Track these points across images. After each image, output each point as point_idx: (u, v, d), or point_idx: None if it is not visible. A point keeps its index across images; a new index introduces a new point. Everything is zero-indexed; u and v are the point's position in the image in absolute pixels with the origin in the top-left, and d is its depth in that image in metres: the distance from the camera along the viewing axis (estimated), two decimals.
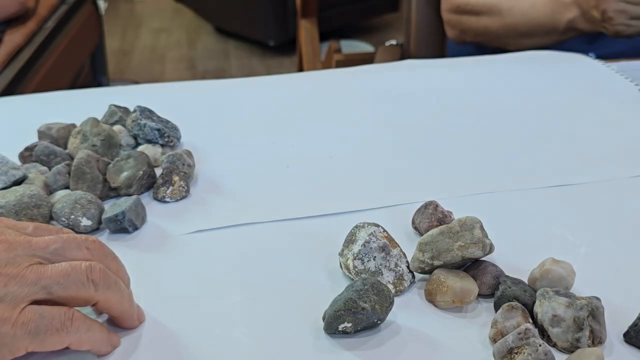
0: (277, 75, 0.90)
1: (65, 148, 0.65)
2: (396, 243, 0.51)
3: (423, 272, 0.49)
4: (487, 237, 0.48)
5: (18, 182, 0.59)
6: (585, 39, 1.05)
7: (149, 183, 0.61)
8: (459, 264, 0.49)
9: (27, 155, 0.64)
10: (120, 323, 0.45)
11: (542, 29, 1.01)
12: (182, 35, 3.42)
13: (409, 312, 0.47)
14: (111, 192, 0.60)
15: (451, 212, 0.56)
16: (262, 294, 0.49)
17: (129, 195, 0.59)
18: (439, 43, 1.25)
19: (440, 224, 0.53)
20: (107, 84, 2.08)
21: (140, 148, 0.65)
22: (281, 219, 0.58)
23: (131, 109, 0.69)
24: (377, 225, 0.51)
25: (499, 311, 0.45)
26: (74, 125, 0.68)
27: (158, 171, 0.62)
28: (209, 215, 0.58)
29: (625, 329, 0.45)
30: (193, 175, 0.64)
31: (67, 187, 0.60)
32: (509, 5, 1.03)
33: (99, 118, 0.67)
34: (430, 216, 0.55)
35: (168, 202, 0.60)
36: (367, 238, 0.49)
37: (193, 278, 0.51)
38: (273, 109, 0.79)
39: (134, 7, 3.87)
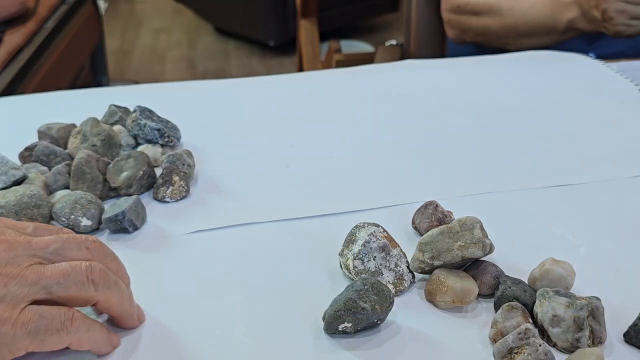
0: (277, 75, 0.90)
1: (65, 148, 0.65)
2: (396, 243, 0.51)
3: (423, 272, 0.49)
4: (487, 237, 0.48)
5: (18, 182, 0.59)
6: (585, 39, 1.05)
7: (149, 183, 0.61)
8: (459, 264, 0.49)
9: (27, 155, 0.64)
10: (120, 323, 0.45)
11: (542, 28, 1.01)
12: (182, 35, 3.42)
13: (409, 312, 0.47)
14: (111, 192, 0.60)
15: (451, 212, 0.56)
16: (262, 294, 0.49)
17: (129, 195, 0.59)
18: (439, 43, 1.25)
19: (440, 224, 0.53)
20: (107, 84, 2.08)
21: (140, 148, 0.65)
22: (281, 219, 0.58)
23: (131, 109, 0.69)
24: (377, 225, 0.51)
25: (499, 311, 0.45)
26: (74, 125, 0.68)
27: (158, 171, 0.62)
28: (209, 215, 0.58)
29: (625, 329, 0.45)
30: (193, 175, 0.64)
31: (67, 187, 0.60)
32: (509, 5, 1.03)
33: (99, 118, 0.67)
34: (430, 216, 0.55)
35: (168, 202, 0.60)
36: (367, 238, 0.49)
37: (193, 278, 0.51)
38: (273, 109, 0.79)
39: (134, 7, 3.87)
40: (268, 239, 0.55)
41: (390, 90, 0.83)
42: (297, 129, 0.74)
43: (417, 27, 1.25)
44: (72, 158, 0.63)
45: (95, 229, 0.56)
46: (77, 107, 0.76)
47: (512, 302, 0.45)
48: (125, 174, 0.59)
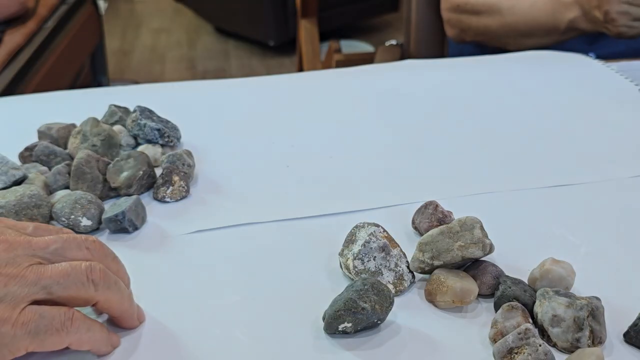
0: (277, 75, 0.90)
1: (65, 148, 0.65)
2: (396, 243, 0.51)
3: (423, 272, 0.49)
4: (487, 237, 0.48)
5: (18, 182, 0.59)
6: (585, 39, 1.05)
7: (149, 183, 0.61)
8: (459, 264, 0.49)
9: (27, 155, 0.64)
10: (120, 323, 0.45)
11: (542, 28, 1.01)
12: (182, 35, 3.42)
13: (409, 312, 0.47)
14: (111, 192, 0.60)
15: (451, 212, 0.56)
16: (262, 294, 0.49)
17: (129, 195, 0.59)
18: (439, 43, 1.25)
19: (440, 224, 0.53)
20: (107, 84, 2.08)
21: (140, 148, 0.65)
22: (281, 219, 0.58)
23: (131, 109, 0.69)
24: (377, 225, 0.51)
25: (499, 311, 0.45)
26: (74, 125, 0.68)
27: (158, 171, 0.62)
28: (209, 215, 0.58)
29: (625, 329, 0.45)
30: (193, 175, 0.64)
31: (67, 187, 0.60)
32: (509, 5, 1.03)
33: (99, 118, 0.67)
34: (430, 216, 0.55)
35: (168, 202, 0.60)
36: (367, 238, 0.49)
37: (193, 278, 0.51)
38: (273, 109, 0.79)
39: (134, 7, 3.87)
40: (268, 239, 0.55)
41: (390, 90, 0.83)
42: (297, 129, 0.74)
43: (417, 27, 1.25)
44: (72, 158, 0.63)
45: (95, 229, 0.56)
46: (77, 107, 0.76)
47: (512, 302, 0.45)
48: (125, 174, 0.59)
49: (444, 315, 0.47)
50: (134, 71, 2.99)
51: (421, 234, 0.55)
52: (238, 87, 0.86)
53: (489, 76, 0.88)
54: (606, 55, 0.97)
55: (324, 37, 2.18)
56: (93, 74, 1.98)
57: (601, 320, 0.44)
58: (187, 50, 3.24)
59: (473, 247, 0.48)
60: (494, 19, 1.05)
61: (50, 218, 0.56)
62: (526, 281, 0.49)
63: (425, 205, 0.56)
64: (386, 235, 0.51)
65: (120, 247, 0.53)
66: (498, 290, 0.47)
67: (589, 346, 0.43)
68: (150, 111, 0.67)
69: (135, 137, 0.66)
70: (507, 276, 0.48)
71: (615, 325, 0.46)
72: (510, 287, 0.47)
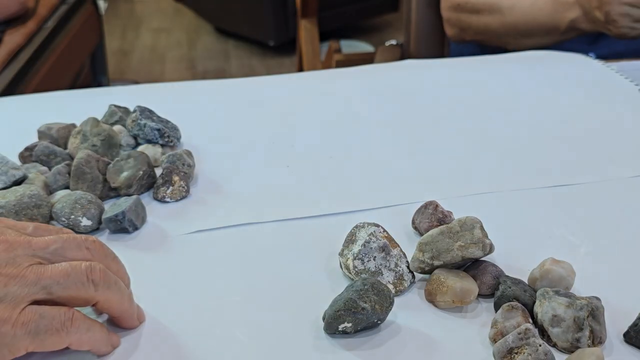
0: (277, 75, 0.90)
1: (65, 148, 0.65)
2: (396, 243, 0.51)
3: (423, 272, 0.49)
4: (487, 237, 0.48)
5: (18, 182, 0.59)
6: (585, 39, 1.05)
7: (149, 183, 0.61)
8: (459, 264, 0.49)
9: (27, 155, 0.64)
10: (120, 323, 0.45)
11: (543, 28, 1.01)
12: (182, 35, 3.42)
13: (409, 312, 0.47)
14: (111, 192, 0.60)
15: (451, 212, 0.56)
16: (262, 294, 0.49)
17: (129, 195, 0.59)
18: (439, 43, 1.25)
19: (440, 224, 0.53)
20: (107, 84, 2.08)
21: (140, 148, 0.65)
22: (281, 219, 0.58)
23: (131, 109, 0.69)
24: (377, 225, 0.51)
25: (499, 311, 0.45)
26: (74, 125, 0.68)
27: (158, 171, 0.62)
28: (209, 215, 0.58)
29: (625, 329, 0.45)
30: (193, 175, 0.64)
31: (67, 187, 0.60)
32: (509, 4, 1.03)
33: (99, 118, 0.67)
34: (430, 216, 0.55)
35: (168, 202, 0.60)
36: (367, 238, 0.49)
37: (193, 278, 0.51)
38: (273, 109, 0.79)
39: (134, 7, 3.87)
40: (268, 239, 0.55)
41: (390, 90, 0.83)
42: (297, 129, 0.74)
43: (417, 27, 1.25)
44: (72, 158, 0.63)
45: (95, 229, 0.56)
46: (77, 107, 0.76)
47: (512, 302, 0.45)
48: (125, 174, 0.59)
49: (444, 315, 0.47)
50: (134, 71, 2.99)
51: (421, 234, 0.55)
52: (238, 87, 0.86)
53: (489, 76, 0.88)
54: (606, 55, 0.97)
55: (324, 37, 2.18)
56: (93, 74, 1.98)
57: (601, 320, 0.44)
58: (187, 50, 3.24)
59: (473, 247, 0.48)
60: (494, 18, 1.05)
61: (50, 218, 0.56)
62: (526, 281, 0.49)
63: (425, 205, 0.56)
64: (386, 235, 0.51)
65: (120, 247, 0.53)
66: (498, 290, 0.47)
67: (589, 346, 0.43)
68: (150, 111, 0.67)
69: (135, 137, 0.66)
70: (507, 276, 0.48)
71: (615, 325, 0.46)
72: (510, 287, 0.47)
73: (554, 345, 0.44)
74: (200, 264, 0.52)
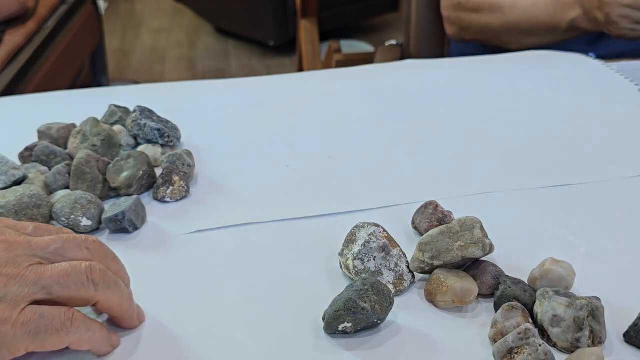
0: (277, 75, 0.90)
1: (65, 148, 0.65)
2: (396, 243, 0.51)
3: (423, 272, 0.49)
4: (487, 237, 0.48)
5: (18, 182, 0.59)
6: (585, 39, 1.05)
7: (149, 183, 0.61)
8: (459, 264, 0.49)
9: (27, 155, 0.64)
10: (120, 323, 0.45)
11: (543, 27, 1.01)
12: (182, 35, 3.42)
13: (409, 312, 0.47)
14: (111, 192, 0.60)
15: (451, 212, 0.56)
16: (262, 294, 0.49)
17: (129, 195, 0.59)
18: (439, 43, 1.25)
19: (440, 224, 0.53)
20: (107, 84, 2.08)
21: (140, 148, 0.65)
22: (281, 219, 0.58)
23: (131, 109, 0.69)
24: (377, 225, 0.51)
25: (499, 311, 0.45)
26: (74, 125, 0.68)
27: (158, 171, 0.62)
28: (209, 215, 0.58)
29: (625, 329, 0.45)
30: (193, 175, 0.64)
31: (67, 187, 0.60)
32: (510, 3, 1.03)
33: (99, 118, 0.67)
34: (430, 216, 0.55)
35: (168, 202, 0.60)
36: (367, 238, 0.49)
37: (193, 278, 0.51)
38: (273, 109, 0.79)
39: (134, 7, 3.87)
40: (268, 239, 0.55)
41: (390, 90, 0.83)
42: (297, 129, 0.74)
43: (417, 27, 1.25)
44: (72, 158, 0.63)
45: (95, 229, 0.56)
46: (77, 107, 0.76)
47: (512, 302, 0.45)
48: (125, 174, 0.59)
49: (444, 315, 0.47)
50: (134, 71, 2.99)
51: (421, 234, 0.55)
52: (238, 87, 0.86)
53: (489, 76, 0.88)
54: (606, 56, 0.97)
55: (324, 37, 2.18)
56: (93, 74, 1.98)
57: (601, 320, 0.44)
58: (187, 50, 3.24)
59: (473, 247, 0.48)
60: (495, 17, 1.05)
61: (50, 218, 0.56)
62: (526, 281, 0.49)
63: (425, 205, 0.56)
64: (386, 235, 0.51)
65: (120, 247, 0.53)
66: (498, 290, 0.47)
67: (589, 346, 0.43)
68: (150, 111, 0.67)
69: (135, 137, 0.66)
70: (507, 276, 0.48)
71: (615, 325, 0.46)
72: (510, 287, 0.47)
73: (554, 345, 0.44)
74: (200, 263, 0.52)
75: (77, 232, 0.50)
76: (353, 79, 0.88)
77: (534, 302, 0.46)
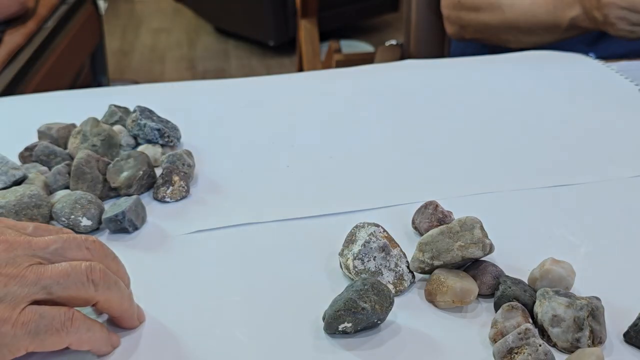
0: (277, 75, 0.90)
1: (65, 148, 0.65)
2: (396, 243, 0.51)
3: (423, 272, 0.49)
4: (487, 237, 0.48)
5: (18, 182, 0.59)
6: (585, 41, 1.05)
7: (149, 183, 0.61)
8: (459, 264, 0.49)
9: (27, 155, 0.64)
10: (120, 323, 0.45)
11: (543, 25, 1.00)
12: (182, 35, 3.42)
13: (409, 312, 0.47)
14: (111, 192, 0.60)
15: (451, 212, 0.56)
16: (262, 294, 0.49)
17: (129, 195, 0.59)
18: (439, 43, 1.25)
19: (440, 224, 0.53)
20: (107, 84, 2.08)
21: (140, 148, 0.65)
22: (281, 219, 0.58)
23: (131, 109, 0.69)
24: (377, 225, 0.51)
25: (499, 311, 0.45)
26: (74, 125, 0.68)
27: (158, 171, 0.62)
28: (209, 215, 0.58)
29: (625, 329, 0.45)
30: (193, 175, 0.64)
31: (67, 187, 0.60)
32: (510, 1, 1.03)
33: (99, 118, 0.67)
34: (430, 216, 0.55)
35: (168, 202, 0.60)
36: (367, 238, 0.49)
37: (193, 278, 0.51)
38: (273, 109, 0.79)
39: (134, 7, 3.87)
40: (268, 239, 0.55)
41: (390, 90, 0.83)
42: (297, 129, 0.74)
43: (417, 27, 1.24)
44: (72, 158, 0.63)
45: (95, 229, 0.56)
46: (77, 107, 0.76)
47: (512, 302, 0.45)
48: (125, 174, 0.59)
49: (444, 315, 0.47)
50: (134, 71, 2.99)
51: (421, 234, 0.55)
52: (238, 87, 0.86)
53: (489, 76, 0.88)
54: (606, 57, 0.97)
55: (324, 37, 2.18)
56: (93, 74, 1.98)
57: (601, 320, 0.44)
58: (187, 50, 3.24)
59: (473, 247, 0.48)
60: (495, 15, 1.05)
61: (50, 218, 0.56)
62: (526, 281, 0.49)
63: (425, 205, 0.56)
64: (386, 235, 0.51)
65: (120, 247, 0.53)
66: (498, 290, 0.47)
67: (589, 346, 0.43)
68: (150, 111, 0.67)
69: (135, 137, 0.66)
70: (507, 276, 0.48)
71: (615, 325, 0.46)
72: (510, 287, 0.47)
73: (554, 345, 0.44)
74: (200, 264, 0.52)
75: (77, 232, 0.50)
76: (353, 79, 0.88)
77: (534, 302, 0.46)
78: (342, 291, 0.45)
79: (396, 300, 0.47)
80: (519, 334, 0.42)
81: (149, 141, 0.66)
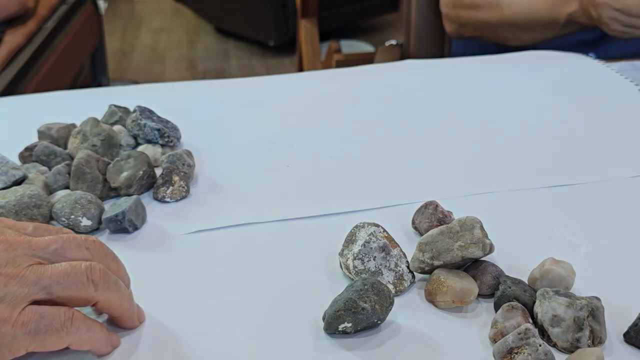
0: (277, 75, 0.90)
1: (65, 148, 0.65)
2: (396, 243, 0.51)
3: (423, 272, 0.49)
4: (487, 237, 0.48)
5: (18, 182, 0.59)
6: (585, 42, 1.05)
7: (149, 183, 0.61)
8: (459, 264, 0.49)
9: (27, 155, 0.64)
10: (120, 323, 0.45)
11: (541, 22, 1.01)
12: (182, 35, 3.42)
13: (409, 312, 0.47)
14: (111, 192, 0.60)
15: (451, 212, 0.56)
16: (262, 294, 0.49)
17: (129, 195, 0.59)
18: (439, 43, 1.25)
19: (440, 224, 0.53)
20: (107, 84, 2.08)
21: (140, 148, 0.65)
22: (281, 219, 0.58)
23: (131, 109, 0.69)
24: (377, 225, 0.51)
25: (499, 311, 0.45)
26: (74, 125, 0.68)
27: (158, 171, 0.62)
28: (209, 215, 0.58)
29: (625, 329, 0.45)
30: (193, 175, 0.64)
31: (67, 187, 0.60)
32: None
33: (99, 118, 0.67)
34: (430, 216, 0.55)
35: (168, 202, 0.60)
36: (367, 238, 0.49)
37: (193, 278, 0.51)
38: (273, 109, 0.79)
39: (134, 7, 3.87)
40: (268, 239, 0.55)
41: (390, 90, 0.83)
42: (297, 129, 0.74)
43: (417, 27, 1.25)
44: (72, 158, 0.63)
45: (95, 229, 0.56)
46: (77, 107, 0.76)
47: (512, 302, 0.45)
48: (125, 174, 0.59)
49: (444, 315, 0.47)
50: (134, 71, 2.99)
51: (421, 234, 0.55)
52: (238, 87, 0.86)
53: (489, 76, 0.88)
54: (606, 58, 0.98)
55: (324, 37, 2.18)
56: (93, 74, 1.98)
57: (601, 320, 0.44)
58: (187, 50, 3.24)
59: (473, 247, 0.48)
60: (493, 13, 1.05)
61: (50, 218, 0.56)
62: (526, 281, 0.49)
63: (425, 205, 0.56)
64: (386, 235, 0.51)
65: (120, 247, 0.53)
66: (498, 290, 0.47)
67: (589, 346, 0.43)
68: (150, 111, 0.67)
69: (135, 137, 0.66)
70: (507, 276, 0.48)
71: (615, 325, 0.46)
72: (510, 287, 0.47)
73: (554, 345, 0.44)
74: (200, 264, 0.52)
75: (77, 232, 0.50)
76: (353, 79, 0.88)
77: (534, 302, 0.46)
78: (342, 291, 0.45)
79: (396, 300, 0.47)
80: (519, 334, 0.42)
81: (149, 141, 0.66)
